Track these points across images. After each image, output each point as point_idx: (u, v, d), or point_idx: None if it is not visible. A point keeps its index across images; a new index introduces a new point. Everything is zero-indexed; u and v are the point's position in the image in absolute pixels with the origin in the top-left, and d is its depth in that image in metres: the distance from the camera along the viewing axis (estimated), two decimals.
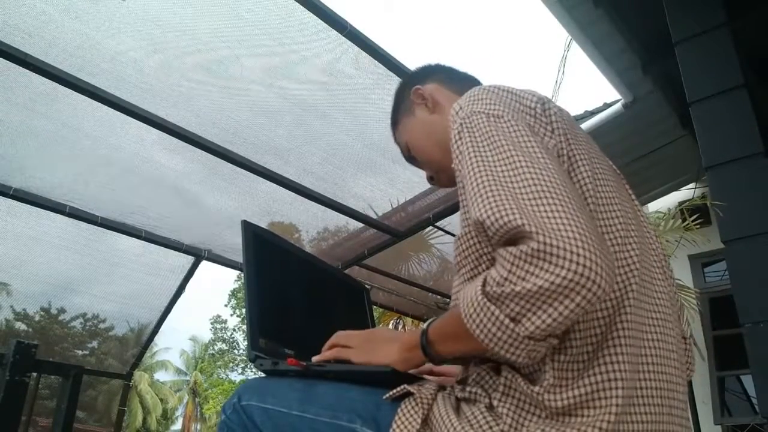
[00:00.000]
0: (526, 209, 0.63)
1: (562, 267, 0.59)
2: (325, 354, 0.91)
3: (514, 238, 0.63)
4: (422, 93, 1.05)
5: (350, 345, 0.90)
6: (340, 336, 0.93)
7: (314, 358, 0.91)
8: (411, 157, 1.10)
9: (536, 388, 0.68)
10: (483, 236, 0.68)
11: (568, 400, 0.66)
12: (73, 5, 1.81)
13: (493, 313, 0.64)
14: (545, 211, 0.63)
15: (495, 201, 0.65)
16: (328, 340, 0.93)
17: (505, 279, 0.62)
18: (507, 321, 0.63)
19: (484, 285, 0.65)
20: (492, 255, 0.76)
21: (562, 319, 0.60)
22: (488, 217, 0.65)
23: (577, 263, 0.59)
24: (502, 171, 0.69)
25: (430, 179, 1.10)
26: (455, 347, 0.78)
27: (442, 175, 1.06)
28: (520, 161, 0.69)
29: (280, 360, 0.93)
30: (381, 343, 0.89)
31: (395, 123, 1.12)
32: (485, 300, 0.64)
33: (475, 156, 0.72)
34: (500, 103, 0.78)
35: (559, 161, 0.75)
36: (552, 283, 0.59)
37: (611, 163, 0.86)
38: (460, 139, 0.77)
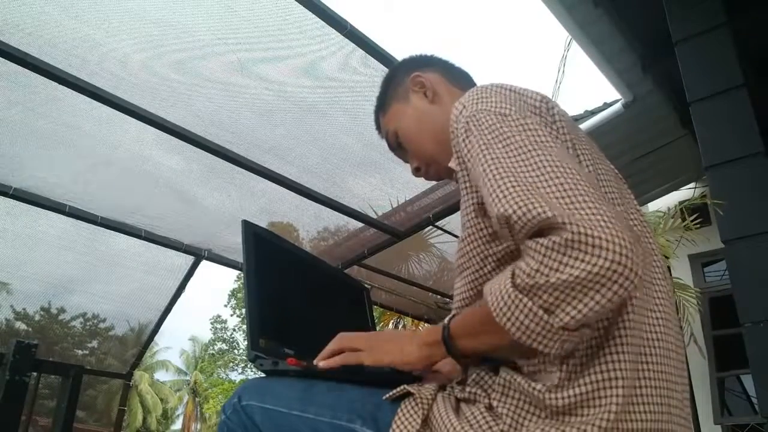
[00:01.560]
0: (552, 202, 0.62)
1: (599, 256, 0.58)
2: (333, 361, 0.86)
3: (542, 230, 0.62)
4: (422, 81, 1.01)
5: (357, 347, 0.86)
6: (343, 339, 0.89)
7: (321, 364, 0.86)
8: (398, 145, 1.05)
9: (539, 386, 0.68)
10: (505, 231, 0.66)
11: (569, 399, 0.66)
12: (73, 5, 1.81)
13: (525, 305, 0.62)
14: (571, 201, 0.62)
15: (519, 195, 0.64)
16: (329, 343, 0.89)
17: (536, 270, 0.61)
18: (540, 312, 0.61)
19: (513, 277, 0.64)
20: (498, 255, 0.76)
21: (598, 308, 0.60)
22: (515, 211, 0.63)
23: (614, 252, 0.58)
24: (519, 166, 0.68)
25: (416, 170, 1.05)
26: (479, 342, 0.76)
27: (431, 168, 1.03)
28: (536, 154, 0.68)
29: (280, 360, 0.93)
30: (391, 342, 0.87)
31: (384, 107, 1.07)
32: (516, 292, 0.63)
33: (488, 153, 0.71)
34: (506, 102, 0.77)
35: (570, 153, 0.74)
36: (589, 272, 0.58)
37: (612, 166, 0.86)
38: (468, 136, 0.76)
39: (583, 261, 0.59)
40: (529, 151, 0.69)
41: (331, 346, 0.88)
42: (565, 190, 0.64)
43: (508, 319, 0.64)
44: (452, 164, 0.82)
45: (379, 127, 1.11)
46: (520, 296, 0.63)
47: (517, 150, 0.69)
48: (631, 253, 0.59)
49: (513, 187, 0.65)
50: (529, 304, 0.62)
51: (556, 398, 0.67)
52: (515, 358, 0.75)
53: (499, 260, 0.76)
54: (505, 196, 0.65)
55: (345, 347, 0.87)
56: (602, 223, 0.60)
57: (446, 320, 0.81)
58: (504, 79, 0.90)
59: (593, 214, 0.61)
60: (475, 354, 0.80)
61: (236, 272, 4.28)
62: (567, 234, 0.59)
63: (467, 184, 0.80)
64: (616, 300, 0.59)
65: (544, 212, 0.61)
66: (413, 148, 1.03)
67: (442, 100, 1.00)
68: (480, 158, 0.72)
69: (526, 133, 0.72)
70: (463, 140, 0.77)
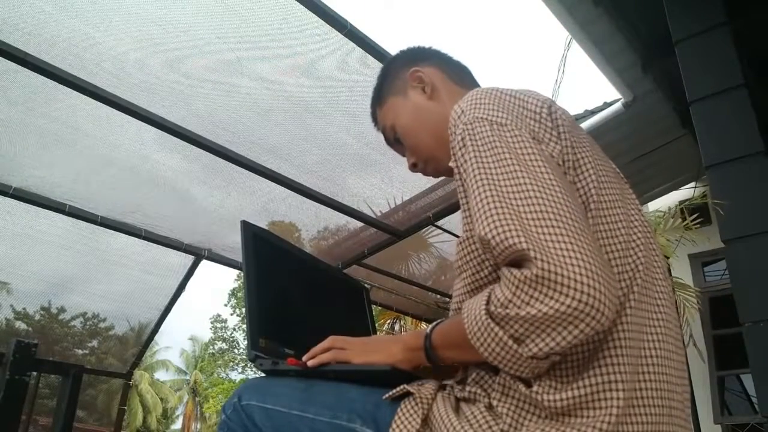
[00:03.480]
0: (530, 231, 0.63)
1: (567, 295, 0.59)
2: (322, 357, 0.89)
3: (517, 260, 0.63)
4: (421, 76, 1.00)
5: (347, 347, 0.90)
6: (335, 340, 0.91)
7: (310, 363, 0.89)
8: (395, 139, 1.04)
9: (534, 388, 0.68)
10: (487, 251, 0.68)
11: (567, 401, 0.66)
12: (73, 4, 1.81)
13: (496, 333, 0.65)
14: (549, 233, 0.63)
15: (499, 220, 0.65)
16: (319, 344, 0.92)
17: (509, 301, 0.63)
18: (510, 342, 0.64)
19: (488, 304, 0.66)
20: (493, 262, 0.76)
21: (565, 344, 0.61)
22: (493, 237, 0.64)
23: (582, 292, 0.59)
24: (506, 187, 0.68)
25: (413, 166, 1.04)
26: (457, 355, 0.79)
27: (429, 164, 1.02)
28: (524, 178, 0.68)
29: (280, 360, 0.93)
30: (380, 344, 0.90)
31: (380, 100, 1.06)
32: (489, 320, 0.65)
33: (479, 169, 0.71)
34: (504, 110, 0.77)
35: (563, 174, 0.73)
36: (556, 310, 0.59)
37: (614, 165, 0.85)
38: (463, 147, 0.76)
39: (552, 299, 0.60)
40: (518, 171, 0.69)
41: (320, 345, 0.92)
42: (546, 219, 0.64)
43: (481, 344, 0.67)
44: (452, 164, 0.82)
45: (375, 120, 1.10)
46: (492, 324, 0.65)
47: (507, 168, 0.70)
48: (599, 293, 0.59)
49: (496, 209, 0.66)
50: (500, 333, 0.64)
51: (554, 400, 0.67)
52: None
53: (495, 265, 0.76)
54: (486, 218, 0.66)
55: (335, 346, 0.90)
56: (575, 261, 0.60)
57: (429, 328, 0.83)
58: (504, 79, 0.88)
59: (568, 248, 0.61)
60: (452, 363, 0.83)
61: (236, 271, 4.28)
62: (536, 270, 0.60)
63: (464, 190, 0.80)
64: (583, 337, 0.61)
65: (519, 243, 0.62)
66: (411, 144, 1.02)
67: (440, 97, 0.99)
68: (471, 171, 0.73)
69: (519, 151, 0.71)
70: (459, 150, 0.77)
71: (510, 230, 0.63)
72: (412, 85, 1.01)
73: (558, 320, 0.60)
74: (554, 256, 0.60)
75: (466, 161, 0.75)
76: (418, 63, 1.02)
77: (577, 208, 0.68)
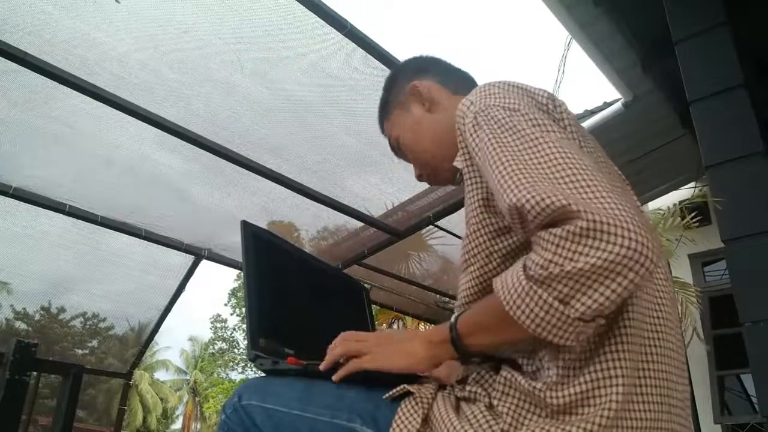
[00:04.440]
0: (566, 191, 0.62)
1: (615, 243, 0.58)
2: (346, 369, 0.82)
3: (555, 220, 0.61)
4: (420, 90, 1.01)
5: (363, 351, 0.83)
6: (347, 341, 0.85)
7: (333, 377, 0.83)
8: (401, 150, 1.07)
9: (538, 385, 0.68)
10: (516, 222, 0.66)
11: (569, 397, 0.66)
12: (73, 4, 1.81)
13: (540, 297, 0.62)
14: (585, 191, 0.62)
15: (531, 185, 0.63)
16: (332, 345, 0.86)
17: (550, 261, 0.60)
18: (556, 303, 0.61)
19: (525, 269, 0.64)
20: (503, 251, 0.76)
21: (615, 296, 0.59)
22: (528, 200, 0.62)
23: (630, 239, 0.58)
24: (531, 157, 0.67)
25: (419, 177, 1.06)
26: (489, 339, 0.74)
27: (432, 175, 1.04)
28: (547, 146, 0.68)
29: (280, 359, 0.93)
30: (396, 345, 0.84)
31: (385, 115, 1.09)
32: (530, 283, 0.62)
33: (499, 145, 0.71)
34: (514, 97, 0.77)
35: (580, 147, 0.73)
36: (605, 260, 0.58)
37: (615, 167, 0.86)
38: (477, 131, 0.75)
39: (598, 249, 0.58)
40: (541, 144, 0.69)
41: (335, 351, 0.85)
42: (578, 181, 0.63)
43: (522, 312, 0.63)
44: (458, 161, 0.82)
45: (383, 130, 1.12)
46: (535, 287, 0.62)
47: (529, 142, 0.69)
48: (645, 240, 0.59)
49: (525, 177, 0.65)
50: (545, 295, 0.61)
51: (557, 396, 0.67)
52: (516, 356, 0.75)
53: (504, 256, 0.76)
54: (517, 186, 0.64)
55: (349, 351, 0.84)
56: (617, 212, 0.60)
57: (453, 318, 0.80)
58: (504, 78, 0.89)
59: (607, 202, 0.61)
60: (482, 352, 0.79)
61: (236, 271, 4.28)
62: (582, 222, 0.59)
63: (474, 180, 0.80)
64: (632, 288, 0.59)
65: (559, 201, 0.60)
66: (415, 156, 1.04)
67: (440, 108, 1.00)
68: (490, 150, 0.71)
69: (537, 127, 0.72)
70: (471, 134, 0.76)
71: (546, 191, 0.62)
72: (412, 99, 1.03)
73: (606, 271, 0.58)
74: (597, 208, 0.60)
75: (481, 141, 0.74)
76: (418, 76, 1.04)
77: (602, 171, 0.67)
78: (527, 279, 0.63)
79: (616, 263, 0.58)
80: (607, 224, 0.58)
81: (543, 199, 0.61)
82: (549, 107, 0.79)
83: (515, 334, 0.66)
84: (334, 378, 0.83)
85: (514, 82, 0.82)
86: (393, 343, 0.84)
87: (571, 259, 0.59)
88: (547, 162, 0.66)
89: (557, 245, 0.60)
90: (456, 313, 0.80)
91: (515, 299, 0.64)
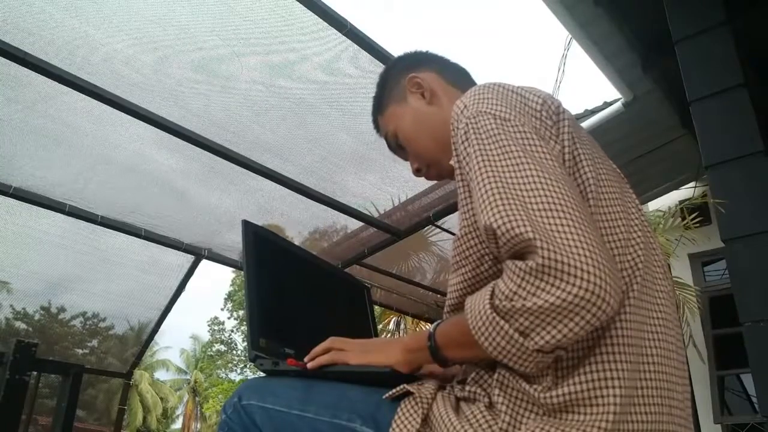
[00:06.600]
0: (536, 221, 0.63)
1: (573, 284, 0.59)
2: (321, 359, 0.89)
3: (522, 251, 0.63)
4: (419, 82, 1.01)
5: (346, 348, 0.89)
6: (334, 341, 0.91)
7: (309, 365, 0.89)
8: (398, 146, 1.05)
9: (534, 386, 0.68)
10: (491, 242, 0.67)
11: (562, 397, 0.66)
12: (73, 4, 1.81)
13: (501, 327, 0.64)
14: (555, 224, 0.63)
15: (506, 209, 0.65)
16: (318, 345, 0.92)
17: (514, 293, 0.62)
18: (516, 335, 0.63)
19: (492, 298, 0.66)
20: (495, 254, 0.76)
21: (572, 335, 0.61)
22: (499, 226, 0.64)
23: (588, 281, 0.59)
24: (512, 178, 0.68)
25: (417, 171, 1.05)
26: (463, 353, 0.78)
27: (432, 169, 1.03)
28: (529, 168, 0.68)
29: (280, 360, 0.93)
30: (378, 346, 0.90)
31: (380, 110, 1.07)
32: (494, 314, 0.65)
33: (484, 160, 0.71)
34: (507, 105, 0.77)
35: (566, 169, 0.74)
36: (564, 300, 0.59)
37: (614, 165, 0.85)
38: (467, 140, 0.76)
39: (558, 288, 0.60)
40: (523, 164, 0.69)
41: (320, 346, 0.91)
42: (551, 210, 0.64)
43: (486, 339, 0.66)
44: (453, 162, 0.82)
45: (377, 127, 1.11)
46: (497, 318, 0.64)
47: (512, 160, 0.70)
48: (604, 282, 0.60)
49: (502, 199, 0.66)
50: (506, 327, 0.64)
51: (550, 396, 0.67)
52: None
53: (495, 258, 0.76)
54: (492, 208, 0.66)
55: (334, 347, 0.90)
56: (581, 250, 0.60)
57: (431, 327, 0.82)
58: (504, 79, 0.88)
59: (573, 239, 0.61)
60: (459, 362, 0.82)
61: (232, 275, 4.28)
62: (542, 259, 0.60)
63: (465, 182, 0.80)
64: (589, 328, 0.61)
65: (526, 232, 0.62)
66: (413, 149, 1.03)
67: (440, 101, 1.00)
68: (475, 165, 0.72)
69: (523, 143, 0.72)
70: (462, 143, 0.77)
71: (517, 219, 0.63)
72: (411, 92, 1.02)
73: (564, 310, 0.60)
74: (560, 246, 0.60)
75: (469, 153, 0.74)
76: (416, 69, 1.03)
77: (581, 201, 0.68)
78: (492, 309, 0.65)
79: (574, 304, 0.59)
80: (567, 264, 0.60)
81: (513, 228, 0.63)
82: (543, 113, 0.78)
83: (485, 354, 0.68)
84: (309, 365, 0.89)
85: (509, 85, 0.81)
86: (375, 344, 0.92)
87: (534, 294, 0.61)
88: (526, 185, 0.67)
89: (522, 278, 0.62)
90: (436, 322, 0.83)
91: (480, 326, 0.67)
